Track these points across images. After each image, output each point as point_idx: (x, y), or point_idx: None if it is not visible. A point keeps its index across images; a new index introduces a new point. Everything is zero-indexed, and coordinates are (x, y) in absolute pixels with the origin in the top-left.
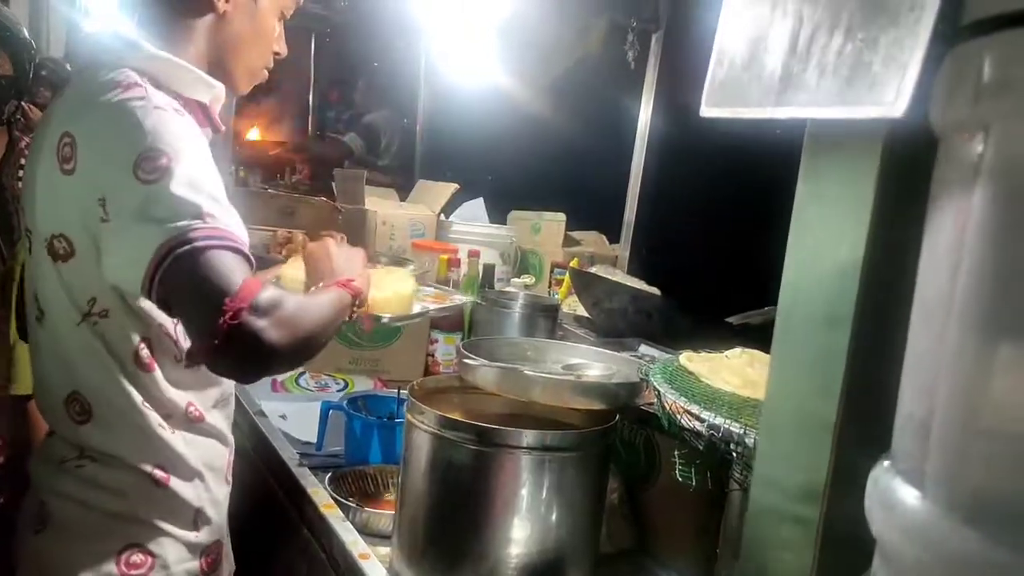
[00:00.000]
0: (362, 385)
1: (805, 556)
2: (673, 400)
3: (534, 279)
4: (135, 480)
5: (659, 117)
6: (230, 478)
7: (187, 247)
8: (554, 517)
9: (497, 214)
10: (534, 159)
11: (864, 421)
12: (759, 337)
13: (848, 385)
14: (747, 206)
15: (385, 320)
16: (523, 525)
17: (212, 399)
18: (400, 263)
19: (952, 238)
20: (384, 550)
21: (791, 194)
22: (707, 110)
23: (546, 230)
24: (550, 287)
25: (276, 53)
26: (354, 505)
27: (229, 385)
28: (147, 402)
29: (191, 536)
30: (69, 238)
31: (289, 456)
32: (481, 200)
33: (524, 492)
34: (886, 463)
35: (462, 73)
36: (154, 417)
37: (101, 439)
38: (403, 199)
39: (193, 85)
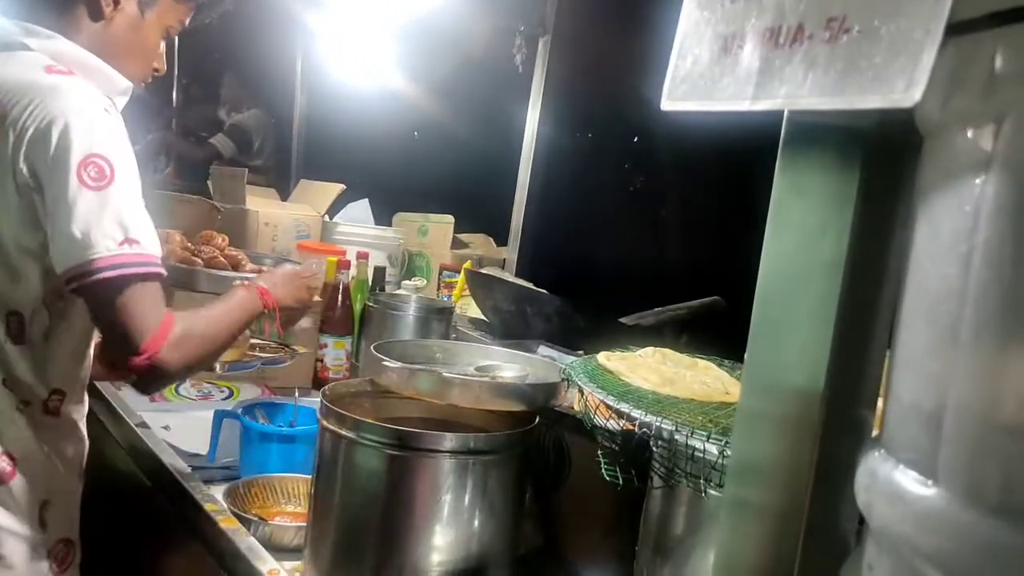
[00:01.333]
0: (249, 393)
1: (787, 549)
2: (601, 399)
3: (425, 282)
4: None
5: (547, 121)
6: (82, 477)
7: (112, 273)
8: (476, 522)
9: (382, 216)
10: (421, 160)
11: (847, 414)
12: (653, 337)
13: (832, 379)
14: (634, 209)
15: (217, 369)
16: (445, 532)
17: (75, 392)
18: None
19: (959, 228)
20: (291, 564)
21: (678, 197)
22: (669, 103)
23: (433, 232)
24: (439, 290)
25: (155, 69)
26: (256, 519)
27: (85, 381)
28: (8, 381)
29: (36, 534)
30: None
31: (179, 469)
32: (367, 201)
33: (447, 498)
34: (877, 453)
35: (344, 71)
36: (12, 399)
37: None
38: (283, 199)
39: (103, 80)
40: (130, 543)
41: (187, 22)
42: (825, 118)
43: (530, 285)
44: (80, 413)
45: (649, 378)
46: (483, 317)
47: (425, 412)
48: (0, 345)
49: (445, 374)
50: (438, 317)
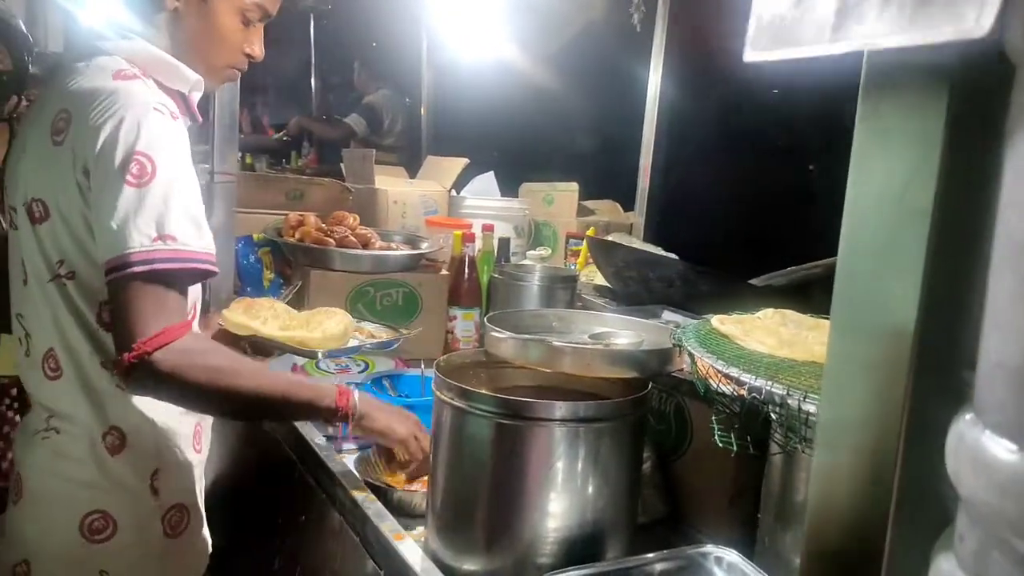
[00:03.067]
0: (383, 365)
1: (879, 516)
2: (709, 364)
3: (550, 251)
4: (93, 446)
5: (669, 80)
6: (200, 447)
7: (145, 268)
8: (590, 490)
9: (508, 187)
10: (544, 130)
11: (939, 373)
12: (784, 298)
13: (921, 336)
14: (763, 168)
15: (320, 356)
16: (559, 499)
17: None
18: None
19: None
20: (418, 530)
21: (810, 154)
22: (752, 54)
23: (559, 201)
24: (566, 258)
25: (248, 55)
26: (384, 486)
27: None
28: (107, 364)
29: (150, 500)
30: (45, 202)
31: (316, 440)
32: (492, 174)
33: (559, 466)
34: (968, 416)
35: (466, 47)
36: (112, 379)
37: (66, 399)
38: (412, 177)
39: (174, 75)
40: (277, 509)
41: (273, 7)
42: (906, 57)
43: (655, 249)
44: None
45: (765, 341)
46: (608, 284)
47: (541, 381)
48: (94, 332)
49: (555, 343)
50: (563, 286)
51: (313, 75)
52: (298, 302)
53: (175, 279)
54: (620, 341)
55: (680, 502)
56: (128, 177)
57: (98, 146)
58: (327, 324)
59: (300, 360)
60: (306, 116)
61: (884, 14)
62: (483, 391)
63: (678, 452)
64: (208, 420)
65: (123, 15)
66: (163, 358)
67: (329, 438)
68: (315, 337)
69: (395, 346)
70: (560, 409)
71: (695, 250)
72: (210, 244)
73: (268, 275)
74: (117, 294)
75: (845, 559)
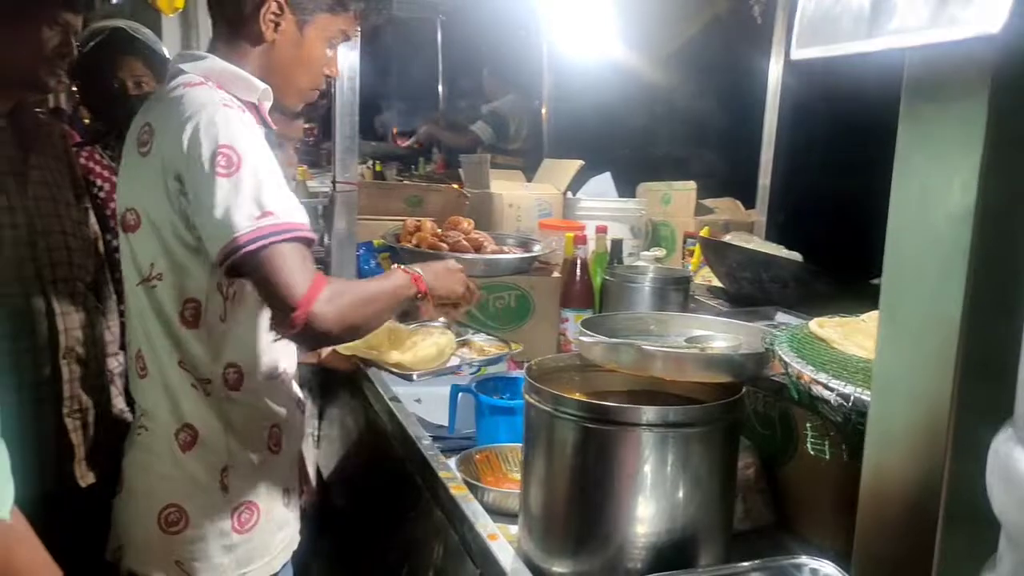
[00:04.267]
0: (494, 367)
1: (929, 525)
2: (799, 369)
3: (665, 252)
4: (170, 442)
5: (790, 72)
6: (279, 447)
7: (254, 245)
8: (681, 495)
9: (626, 187)
10: (663, 128)
11: (985, 385)
12: None
13: (965, 345)
14: (891, 161)
15: (414, 377)
16: (648, 504)
17: (256, 367)
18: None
19: None
20: (514, 529)
21: None
22: (798, 52)
23: (677, 200)
24: (684, 258)
25: (328, 75)
26: (482, 486)
27: (282, 363)
28: (184, 363)
29: (220, 496)
30: (137, 211)
31: (422, 440)
32: (608, 175)
33: (647, 470)
34: (1008, 431)
35: (585, 49)
36: (187, 378)
37: (151, 398)
38: (531, 180)
39: (243, 87)
40: (388, 506)
41: (353, 31)
42: (943, 55)
43: (775, 249)
44: (270, 388)
45: (866, 344)
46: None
47: (635, 384)
48: (175, 331)
49: (645, 347)
50: (675, 287)
51: (441, 82)
52: (412, 307)
53: (289, 249)
54: (717, 344)
55: (787, 510)
56: (219, 170)
57: (184, 149)
58: (421, 345)
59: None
60: (434, 124)
61: (913, 8)
62: (570, 395)
63: (784, 458)
64: (289, 421)
65: (215, 44)
66: (324, 310)
67: (435, 438)
68: (406, 359)
69: (501, 362)
70: (647, 413)
71: (822, 249)
72: (305, 216)
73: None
74: (249, 272)
75: (894, 566)
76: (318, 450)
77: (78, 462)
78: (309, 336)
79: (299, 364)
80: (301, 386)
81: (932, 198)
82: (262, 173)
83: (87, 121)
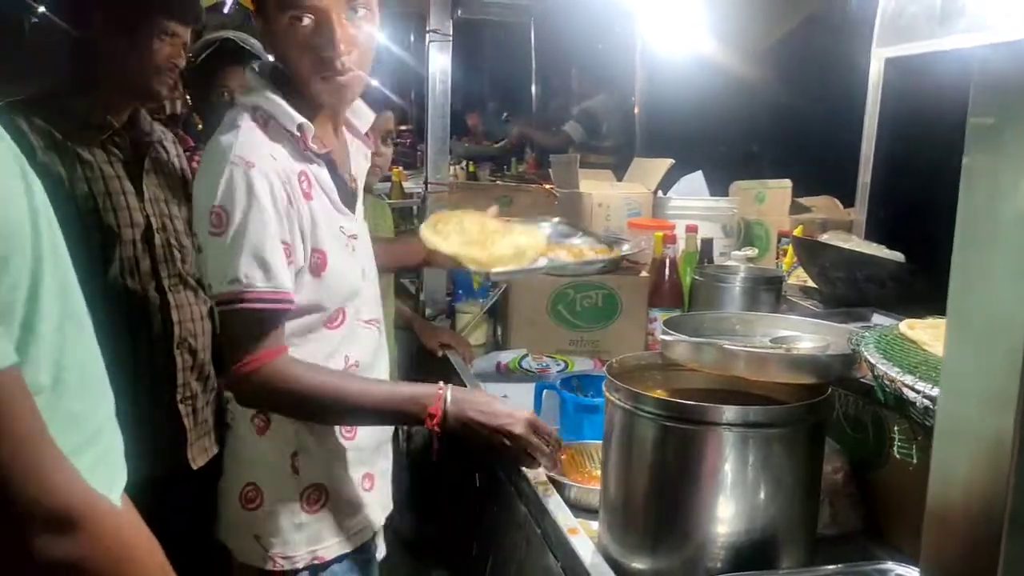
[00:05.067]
0: (582, 366)
1: (990, 546)
2: (885, 371)
3: (757, 251)
4: (248, 425)
5: (892, 64)
6: (353, 434)
7: (221, 306)
8: (761, 495)
9: (719, 186)
10: (757, 126)
11: None
12: None
13: None
14: None
15: (490, 275)
16: (728, 504)
17: (326, 363)
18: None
19: None
20: (595, 525)
21: None
22: (879, 51)
23: (771, 198)
24: (778, 258)
25: (329, 56)
26: (565, 481)
27: (354, 355)
28: None
29: (290, 477)
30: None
31: None
32: (700, 173)
33: (727, 470)
34: None
35: (678, 46)
36: None
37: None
38: (621, 179)
39: (283, 115)
40: (475, 498)
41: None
42: (1014, 53)
43: (874, 249)
44: None
45: None
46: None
47: (717, 384)
48: None
49: (727, 346)
50: (767, 287)
51: (533, 82)
52: (503, 305)
53: (247, 315)
54: (803, 345)
55: (878, 516)
56: (211, 228)
57: (196, 198)
58: (500, 244)
59: (506, 358)
60: (526, 125)
61: (981, 9)
62: (650, 393)
63: (876, 463)
64: None
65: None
66: (255, 381)
67: None
68: (482, 256)
69: (598, 266)
70: (728, 413)
71: (926, 248)
72: (279, 283)
73: (478, 278)
74: (222, 324)
75: (959, 572)
76: (408, 442)
77: (190, 446)
78: (238, 395)
79: (389, 356)
80: (392, 377)
81: (1001, 198)
82: (245, 238)
83: (200, 127)
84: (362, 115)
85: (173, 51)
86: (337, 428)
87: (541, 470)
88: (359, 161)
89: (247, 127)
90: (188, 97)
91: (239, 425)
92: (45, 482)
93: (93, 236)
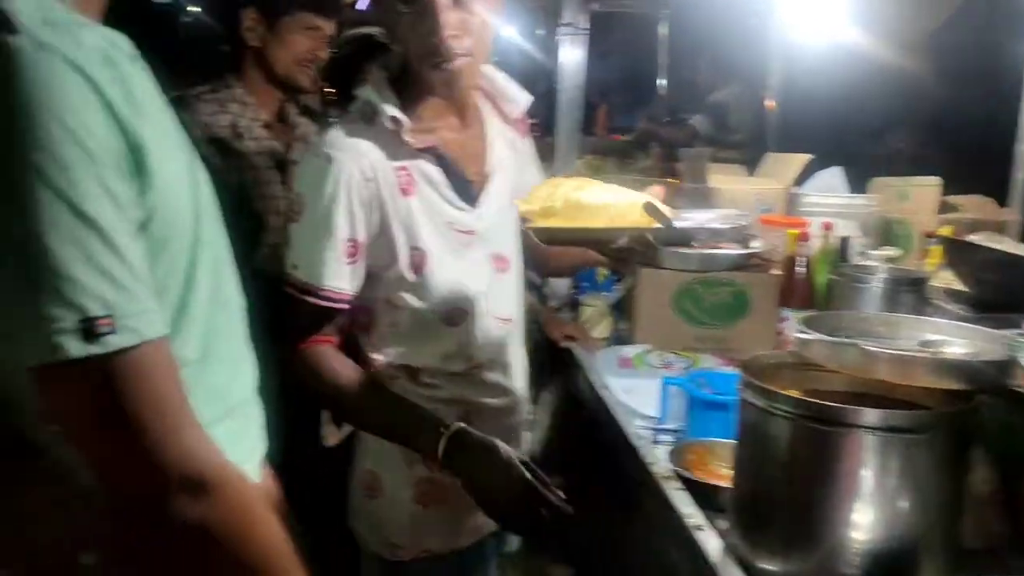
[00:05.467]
0: (708, 363)
1: None
2: None
3: (899, 251)
4: None
5: None
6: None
7: (286, 290)
8: (902, 503)
9: (859, 183)
10: (903, 121)
11: None
12: None
13: None
14: None
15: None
16: (864, 510)
17: (433, 365)
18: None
19: None
20: (722, 523)
21: None
22: None
23: (916, 196)
24: (921, 258)
25: (432, 40)
26: (692, 477)
27: (477, 356)
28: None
29: (405, 469)
30: None
31: (632, 428)
32: (839, 169)
33: (865, 474)
34: None
35: (819, 37)
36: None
37: None
38: (752, 174)
39: (382, 111)
40: (601, 493)
41: None
42: None
43: None
44: (455, 379)
45: None
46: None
47: (856, 387)
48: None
49: (868, 347)
50: (908, 289)
51: (661, 75)
52: (628, 299)
53: (296, 301)
54: (952, 350)
55: None
56: (290, 211)
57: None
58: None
59: (629, 353)
60: (652, 120)
61: None
62: (786, 392)
63: None
64: (482, 409)
65: None
66: (293, 363)
67: (645, 428)
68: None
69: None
70: (868, 416)
71: None
72: (327, 281)
73: (603, 272)
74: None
75: None
76: (530, 434)
77: (325, 424)
78: (283, 373)
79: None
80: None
81: None
82: (308, 228)
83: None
84: (513, 99)
85: (316, 44)
86: (458, 418)
87: (665, 464)
88: (499, 150)
89: (349, 120)
90: (327, 91)
91: None
92: (183, 447)
93: (242, 223)
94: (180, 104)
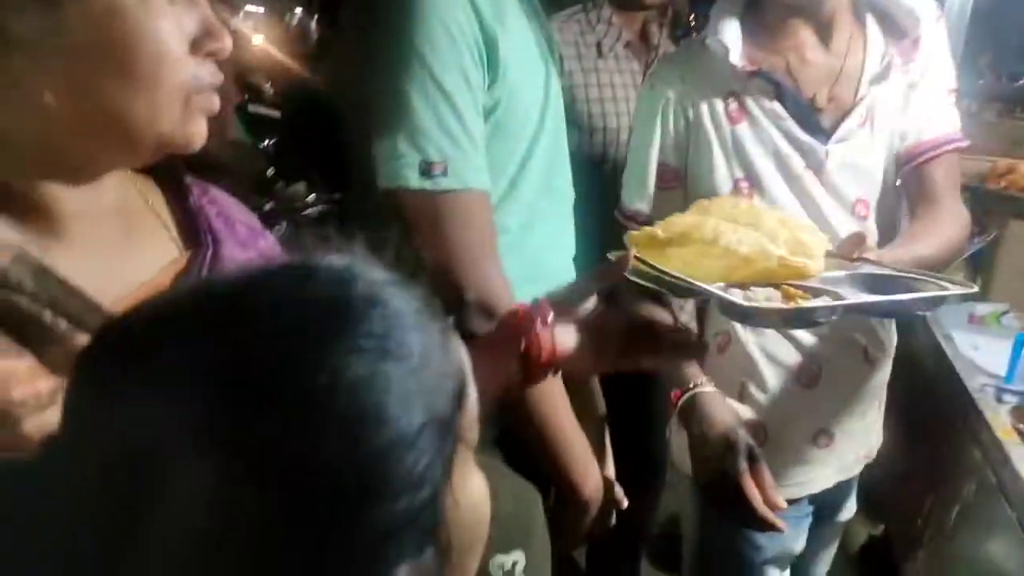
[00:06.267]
0: None
1: None
2: None
3: None
4: (711, 338)
5: None
6: (815, 382)
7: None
8: None
9: None
10: None
11: None
12: None
13: None
14: None
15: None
16: None
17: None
18: None
19: None
20: None
21: None
22: None
23: None
24: None
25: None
26: None
27: None
28: None
29: (741, 405)
30: None
31: (973, 380)
32: None
33: None
34: None
35: None
36: None
37: None
38: None
39: (711, 32)
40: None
41: None
42: None
43: None
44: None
45: None
46: None
47: None
48: None
49: None
50: None
51: None
52: (989, 252)
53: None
54: None
55: None
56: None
57: None
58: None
59: (982, 311)
60: None
61: None
62: None
63: None
64: (831, 358)
65: None
66: None
67: (987, 386)
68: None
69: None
70: None
71: None
72: (635, 207)
73: None
74: None
75: None
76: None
77: None
78: None
79: None
80: None
81: None
82: (631, 151)
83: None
84: (907, 14)
85: None
86: (794, 374)
87: (1007, 421)
88: (871, 71)
89: (686, 45)
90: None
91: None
92: (480, 274)
93: (596, 135)
94: (553, 22)
